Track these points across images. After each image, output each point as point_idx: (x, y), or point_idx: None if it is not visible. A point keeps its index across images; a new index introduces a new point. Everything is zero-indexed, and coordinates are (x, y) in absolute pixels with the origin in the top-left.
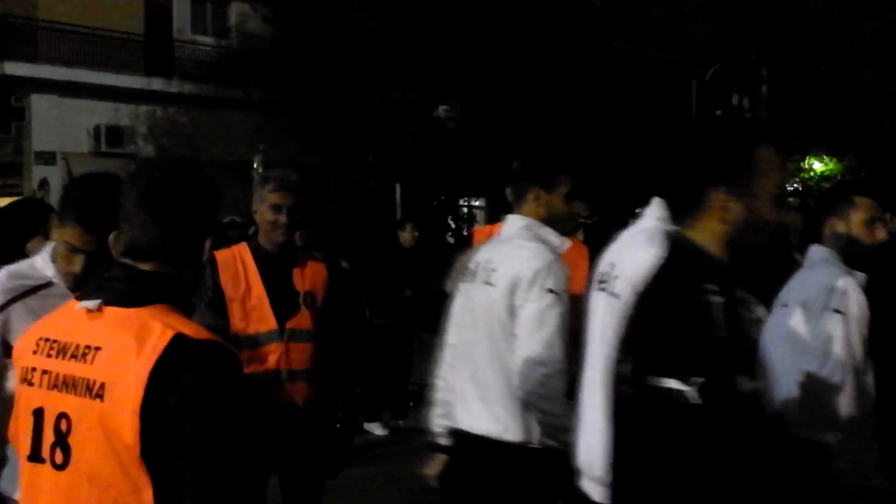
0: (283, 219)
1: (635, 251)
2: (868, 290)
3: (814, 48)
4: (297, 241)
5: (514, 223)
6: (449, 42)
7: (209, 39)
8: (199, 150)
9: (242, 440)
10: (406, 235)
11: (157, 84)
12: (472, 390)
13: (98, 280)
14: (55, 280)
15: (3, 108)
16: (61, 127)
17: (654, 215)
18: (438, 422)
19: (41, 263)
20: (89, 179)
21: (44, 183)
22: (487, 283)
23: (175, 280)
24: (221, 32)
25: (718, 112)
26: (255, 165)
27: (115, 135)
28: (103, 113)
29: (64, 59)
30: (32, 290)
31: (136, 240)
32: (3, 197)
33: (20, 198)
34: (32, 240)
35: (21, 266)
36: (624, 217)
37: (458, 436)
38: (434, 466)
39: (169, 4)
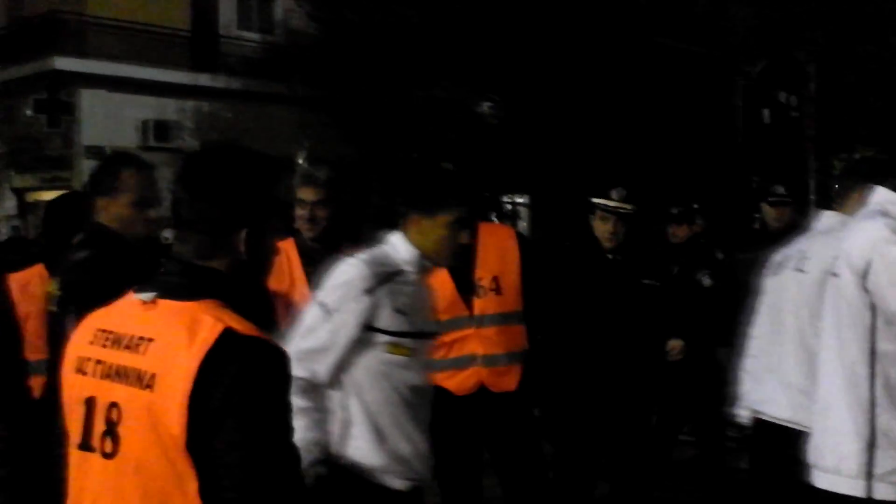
0: (305, 213)
1: (859, 232)
2: None
3: (862, 45)
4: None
5: (830, 218)
6: (492, 38)
7: (254, 35)
8: (243, 144)
9: (287, 438)
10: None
11: (202, 79)
12: (777, 379)
13: (154, 273)
14: (407, 268)
15: (53, 102)
16: (109, 121)
17: (879, 200)
18: (742, 412)
19: (396, 251)
20: None
21: None
22: (799, 270)
23: (228, 275)
24: (266, 28)
25: (766, 110)
26: (298, 160)
27: (161, 129)
28: (150, 108)
29: (112, 54)
30: (391, 276)
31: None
32: (52, 190)
33: (68, 192)
34: (79, 235)
35: (378, 253)
36: (664, 213)
37: (764, 425)
38: None
39: (215, 1)
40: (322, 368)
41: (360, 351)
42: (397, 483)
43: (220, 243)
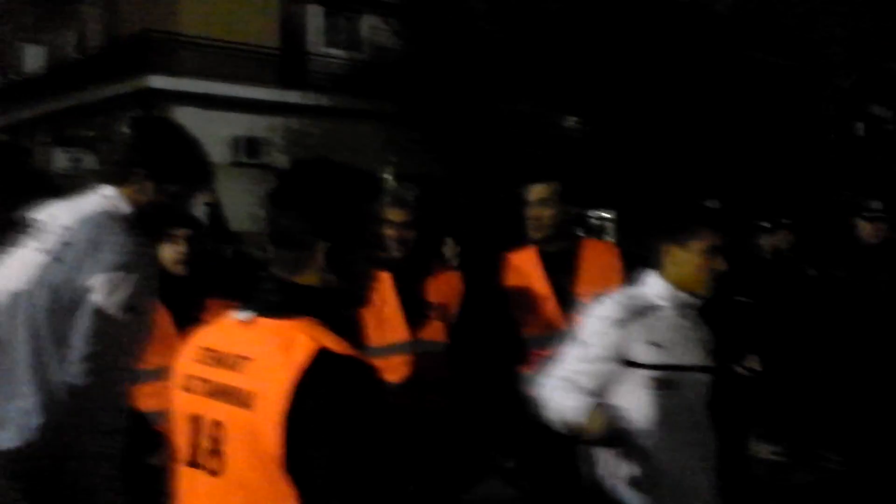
0: (393, 234)
1: None
2: None
3: None
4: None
5: None
6: (577, 52)
7: (341, 52)
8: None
9: (381, 455)
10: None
11: (291, 96)
12: None
13: (254, 291)
14: (662, 303)
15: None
16: (200, 138)
17: None
18: None
19: (650, 287)
20: None
21: None
22: None
23: (323, 292)
24: (353, 45)
25: (859, 123)
26: (386, 176)
27: (251, 146)
28: (240, 125)
29: (203, 72)
30: (644, 311)
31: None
32: None
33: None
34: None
35: (632, 290)
36: (754, 227)
37: None
38: None
39: (303, 18)
40: (576, 390)
41: (619, 386)
42: None
43: (305, 258)
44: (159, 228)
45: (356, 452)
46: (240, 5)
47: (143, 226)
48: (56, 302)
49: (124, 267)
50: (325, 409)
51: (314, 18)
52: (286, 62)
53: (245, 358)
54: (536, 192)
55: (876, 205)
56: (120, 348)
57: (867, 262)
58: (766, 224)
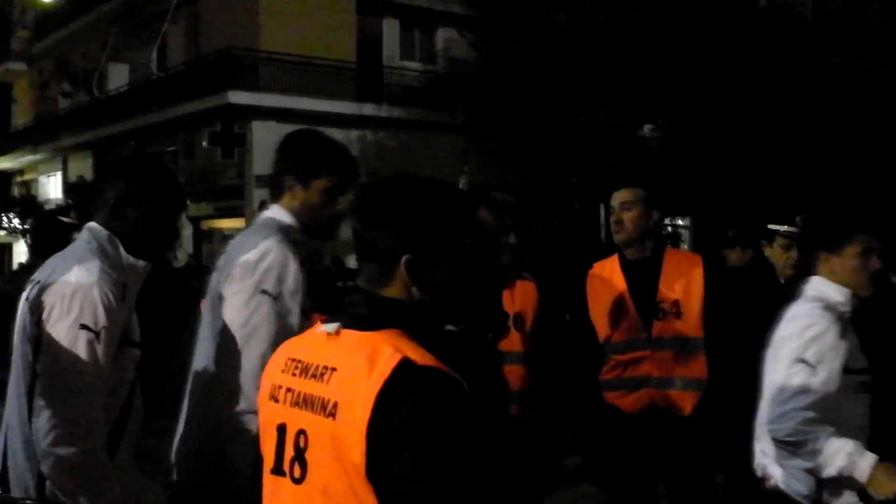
0: (512, 240)
1: None
2: None
3: None
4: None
5: None
6: (654, 61)
7: (417, 65)
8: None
9: (465, 467)
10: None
11: (367, 109)
12: None
13: (341, 304)
14: (845, 308)
15: (228, 135)
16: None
17: None
18: None
19: (832, 294)
20: None
21: (263, 205)
22: None
23: (411, 304)
24: (429, 58)
25: None
26: (460, 187)
27: None
28: None
29: (282, 87)
30: (843, 317)
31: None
32: (225, 218)
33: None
34: None
35: (820, 298)
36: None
37: None
38: None
39: (379, 33)
40: (823, 416)
41: (839, 393)
42: None
43: (390, 272)
44: (328, 225)
45: (438, 464)
46: (317, 21)
47: (306, 230)
48: (228, 330)
49: (296, 275)
50: (407, 420)
51: (390, 32)
52: (362, 76)
53: (330, 368)
54: (620, 196)
55: None
56: None
57: None
58: None
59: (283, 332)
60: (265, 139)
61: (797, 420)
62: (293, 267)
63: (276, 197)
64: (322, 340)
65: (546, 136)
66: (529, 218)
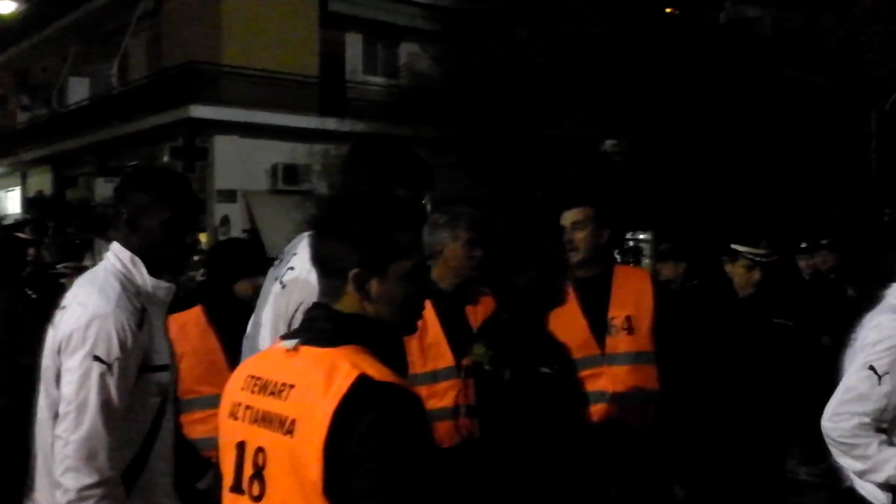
0: (479, 253)
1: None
2: None
3: None
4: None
5: None
6: (616, 76)
7: (380, 79)
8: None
9: (423, 483)
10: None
11: (330, 124)
12: None
13: (302, 321)
14: None
15: (189, 149)
16: (241, 166)
17: None
18: None
19: None
20: None
21: (225, 220)
22: None
23: (370, 321)
24: (392, 72)
25: None
26: (423, 201)
27: (291, 173)
28: (280, 152)
29: (245, 101)
30: None
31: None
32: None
33: (233, 237)
34: (241, 282)
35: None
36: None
37: None
38: None
39: (342, 47)
40: (879, 426)
41: None
42: None
43: (340, 285)
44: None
45: (396, 479)
46: (280, 35)
47: None
48: (277, 328)
49: None
50: (365, 436)
51: (353, 46)
52: (325, 90)
53: (289, 385)
54: (570, 216)
55: None
56: None
57: None
58: (805, 245)
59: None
60: (228, 153)
61: (852, 423)
62: None
63: None
64: (281, 357)
65: (510, 149)
66: (494, 232)
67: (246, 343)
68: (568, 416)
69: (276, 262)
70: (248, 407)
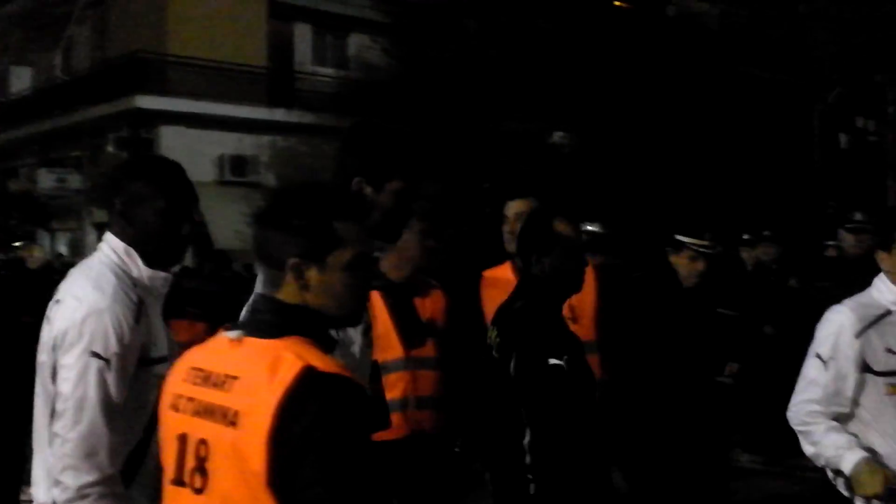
0: (432, 243)
1: None
2: None
3: None
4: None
5: None
6: (565, 69)
7: (329, 71)
8: (319, 178)
9: (367, 474)
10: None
11: (278, 115)
12: None
13: (245, 311)
14: (893, 308)
15: (134, 140)
16: (187, 157)
17: None
18: None
19: (880, 293)
20: None
21: None
22: None
23: (313, 311)
24: (341, 64)
25: (843, 135)
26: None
27: (238, 164)
28: (227, 143)
29: (191, 91)
30: (879, 318)
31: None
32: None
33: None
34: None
35: (864, 297)
36: (737, 239)
37: None
38: None
39: (291, 38)
40: (832, 410)
41: (862, 392)
42: None
43: (280, 275)
44: (395, 227)
45: (340, 470)
46: (228, 25)
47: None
48: None
49: None
50: (309, 427)
51: (302, 37)
52: (274, 81)
53: (232, 377)
54: (514, 207)
55: (858, 216)
56: None
57: (850, 273)
58: (748, 237)
59: None
60: (174, 144)
61: (805, 410)
62: None
63: None
64: (225, 348)
65: (459, 142)
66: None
67: None
68: (572, 409)
69: None
70: (190, 399)
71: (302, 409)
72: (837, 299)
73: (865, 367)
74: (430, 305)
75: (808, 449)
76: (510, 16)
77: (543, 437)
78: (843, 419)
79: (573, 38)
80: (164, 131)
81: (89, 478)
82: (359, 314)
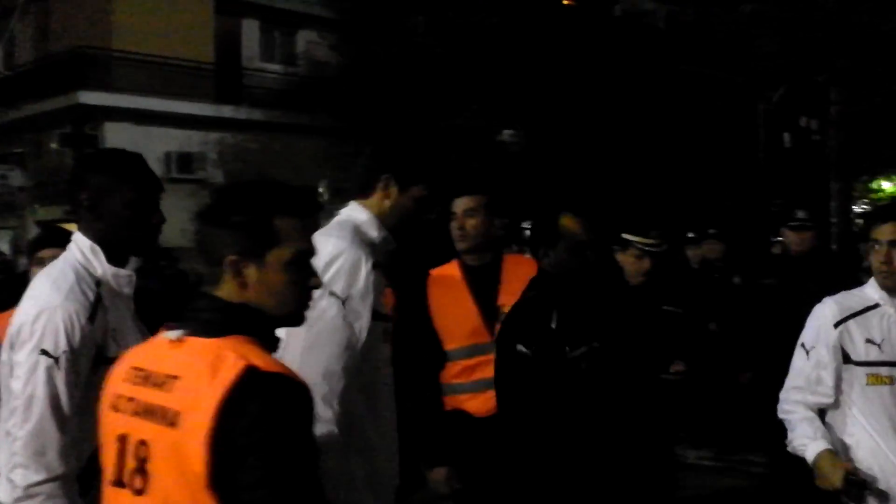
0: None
1: None
2: None
3: (883, 69)
4: None
5: None
6: (513, 67)
7: (277, 67)
8: (266, 175)
9: (311, 475)
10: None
11: (226, 111)
12: None
13: (186, 310)
14: (882, 303)
15: (78, 136)
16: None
17: None
18: None
19: (870, 289)
20: None
21: None
22: None
23: (256, 310)
24: (289, 60)
25: (786, 134)
26: (320, 191)
27: (185, 161)
28: (174, 140)
29: (137, 88)
30: (862, 311)
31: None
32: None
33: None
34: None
35: (853, 291)
36: (682, 241)
37: None
38: None
39: (238, 33)
40: (816, 400)
41: (844, 383)
42: None
43: (218, 272)
44: (409, 231)
45: (284, 471)
46: (173, 20)
47: (394, 230)
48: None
49: (331, 259)
50: (251, 427)
51: (249, 33)
52: (221, 77)
53: (172, 377)
54: (463, 203)
55: (801, 214)
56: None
57: (794, 270)
58: (693, 235)
59: (351, 336)
60: (119, 141)
61: (788, 399)
62: (364, 269)
63: (363, 192)
64: (165, 348)
65: (407, 139)
66: None
67: None
68: (538, 396)
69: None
70: (130, 399)
71: (243, 410)
72: (781, 296)
73: (846, 358)
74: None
75: (790, 437)
76: (458, 12)
77: (510, 420)
78: (828, 409)
79: (521, 35)
80: (108, 127)
81: (37, 477)
82: (301, 314)
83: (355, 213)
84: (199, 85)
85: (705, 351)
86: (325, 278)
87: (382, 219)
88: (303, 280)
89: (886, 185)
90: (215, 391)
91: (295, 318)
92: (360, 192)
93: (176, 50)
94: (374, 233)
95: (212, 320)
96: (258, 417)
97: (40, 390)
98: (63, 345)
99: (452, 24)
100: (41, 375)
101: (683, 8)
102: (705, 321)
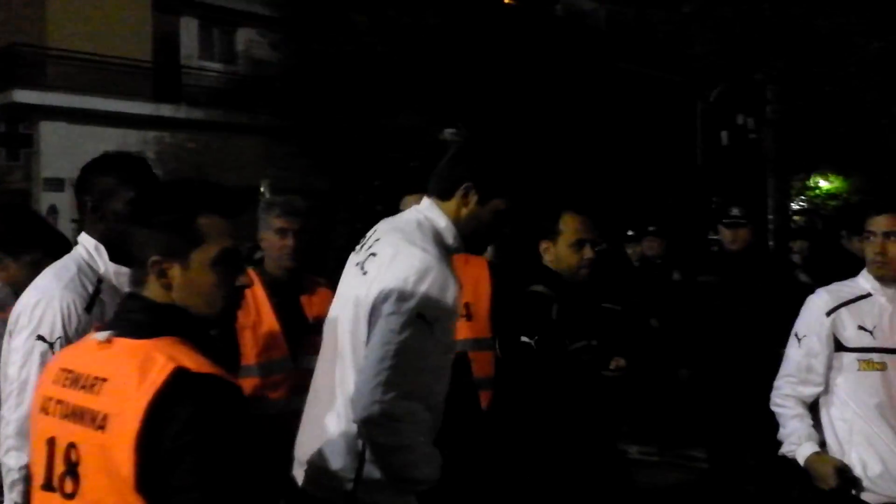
0: (290, 242)
1: None
2: None
3: (819, 69)
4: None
5: None
6: (455, 65)
7: (217, 65)
8: (207, 175)
9: (245, 476)
10: None
11: (165, 110)
12: None
13: (116, 312)
14: (874, 292)
15: (12, 135)
16: (70, 154)
17: None
18: None
19: (863, 279)
20: None
21: (53, 210)
22: None
23: (183, 311)
24: (229, 58)
25: (724, 132)
26: (262, 190)
27: None
28: (112, 139)
29: (72, 86)
30: (854, 300)
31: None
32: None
33: None
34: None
35: (846, 282)
36: (622, 239)
37: None
38: None
39: (176, 31)
40: (807, 390)
41: (836, 369)
42: (872, 499)
43: (143, 273)
44: (482, 242)
45: (217, 473)
46: (110, 17)
47: (467, 239)
48: (357, 315)
49: (419, 276)
50: (182, 430)
51: (188, 31)
52: (159, 75)
53: (101, 379)
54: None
55: (734, 211)
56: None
57: (731, 267)
58: (632, 232)
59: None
60: (54, 140)
61: (780, 392)
62: (453, 288)
63: (442, 195)
64: (94, 350)
65: (349, 138)
66: (329, 221)
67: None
68: (542, 385)
69: (357, 248)
70: (59, 401)
71: (173, 412)
72: (720, 293)
73: (838, 345)
74: (318, 304)
75: (780, 434)
76: (399, 11)
77: (510, 408)
78: (820, 396)
79: (462, 34)
80: (43, 126)
81: (29, 459)
82: (231, 313)
83: (434, 215)
84: (136, 83)
85: (646, 347)
86: (410, 291)
87: (457, 226)
88: (230, 279)
89: (823, 184)
90: (144, 394)
91: (224, 317)
92: (439, 195)
93: (113, 48)
94: (450, 241)
95: (140, 321)
96: (190, 420)
97: (34, 375)
98: (59, 331)
99: (393, 22)
100: (36, 360)
101: (623, 7)
102: (646, 317)
